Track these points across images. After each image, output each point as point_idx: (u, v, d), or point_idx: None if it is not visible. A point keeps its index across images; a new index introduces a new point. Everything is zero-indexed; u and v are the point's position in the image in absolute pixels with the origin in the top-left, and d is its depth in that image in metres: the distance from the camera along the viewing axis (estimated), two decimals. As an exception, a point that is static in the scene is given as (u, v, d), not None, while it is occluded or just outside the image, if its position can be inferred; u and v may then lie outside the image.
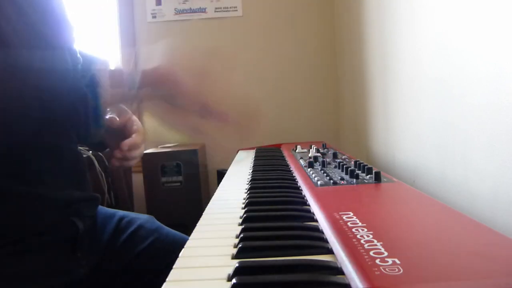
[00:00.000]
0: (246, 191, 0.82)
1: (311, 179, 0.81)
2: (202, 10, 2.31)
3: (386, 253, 0.40)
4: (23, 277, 0.62)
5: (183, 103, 0.65)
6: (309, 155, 1.12)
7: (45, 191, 0.66)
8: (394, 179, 0.77)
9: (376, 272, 0.36)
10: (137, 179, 2.16)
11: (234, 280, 0.40)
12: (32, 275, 0.62)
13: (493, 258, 0.39)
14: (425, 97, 1.09)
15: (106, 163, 1.70)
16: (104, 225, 0.81)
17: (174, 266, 0.46)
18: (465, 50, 0.87)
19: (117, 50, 2.37)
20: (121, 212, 0.86)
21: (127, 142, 0.73)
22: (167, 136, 2.36)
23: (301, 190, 0.78)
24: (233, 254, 0.48)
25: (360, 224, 0.50)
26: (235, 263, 0.43)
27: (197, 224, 0.63)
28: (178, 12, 2.31)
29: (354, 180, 0.77)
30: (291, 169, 1.03)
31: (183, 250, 0.51)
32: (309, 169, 0.91)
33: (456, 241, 0.45)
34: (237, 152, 1.61)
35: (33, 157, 0.65)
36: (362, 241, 0.44)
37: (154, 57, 0.66)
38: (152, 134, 2.53)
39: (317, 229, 0.54)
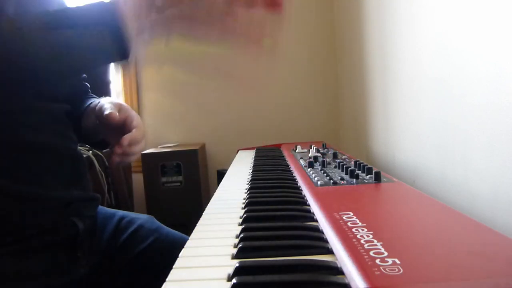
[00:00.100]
0: (246, 191, 0.82)
1: (311, 179, 0.81)
2: (202, 10, 2.30)
3: (386, 253, 0.40)
4: (24, 276, 0.62)
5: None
6: (309, 155, 1.12)
7: (45, 191, 0.66)
8: (394, 179, 0.77)
9: (376, 272, 0.36)
10: (137, 179, 2.16)
11: (234, 280, 0.40)
12: (32, 275, 0.63)
13: (493, 258, 0.39)
14: (425, 97, 1.09)
15: (106, 163, 1.70)
16: (104, 225, 0.81)
17: (174, 266, 0.46)
18: (465, 50, 0.87)
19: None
20: (121, 212, 0.86)
21: (127, 137, 0.72)
22: (167, 136, 2.36)
23: (301, 190, 0.78)
24: (233, 254, 0.48)
25: (360, 224, 0.50)
26: (235, 263, 0.43)
27: (197, 224, 0.63)
28: (178, 12, 2.31)
29: (354, 180, 0.77)
30: (291, 169, 1.03)
31: (183, 250, 0.51)
32: (309, 169, 0.91)
33: (456, 241, 0.45)
34: (237, 152, 1.61)
35: (33, 157, 0.65)
36: (362, 241, 0.44)
37: None
38: (152, 134, 2.52)
39: (317, 229, 0.54)
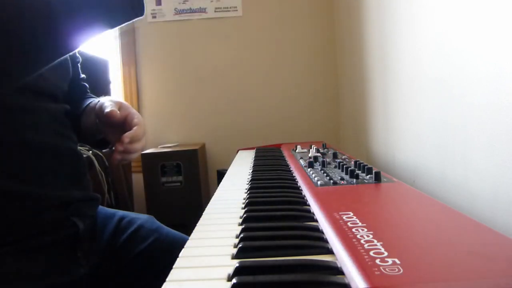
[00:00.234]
0: (246, 191, 0.82)
1: (311, 179, 0.81)
2: (202, 10, 2.31)
3: (386, 253, 0.40)
4: (24, 276, 0.62)
5: None
6: (309, 155, 1.12)
7: (45, 191, 0.66)
8: (394, 179, 0.77)
9: (376, 272, 0.36)
10: (137, 179, 2.16)
11: (234, 280, 0.40)
12: (32, 275, 0.63)
13: (493, 258, 0.39)
14: (425, 97, 1.09)
15: (106, 163, 1.70)
16: (104, 225, 0.81)
17: (174, 266, 0.46)
18: (465, 50, 0.87)
19: (117, 51, 2.37)
20: (121, 212, 0.86)
21: (128, 134, 0.72)
22: (167, 136, 2.36)
23: (301, 190, 0.78)
24: (233, 254, 0.48)
25: (360, 224, 0.50)
26: (235, 263, 0.43)
27: (197, 224, 0.63)
28: (178, 12, 2.31)
29: (354, 180, 0.77)
30: (291, 169, 1.03)
31: (183, 250, 0.51)
32: (309, 169, 0.91)
33: (456, 241, 0.45)
34: (237, 152, 1.61)
35: (33, 157, 0.65)
36: (362, 241, 0.44)
37: None
38: (152, 134, 2.53)
39: (317, 229, 0.54)
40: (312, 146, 1.25)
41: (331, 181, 0.77)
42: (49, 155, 0.68)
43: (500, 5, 0.74)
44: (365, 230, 0.47)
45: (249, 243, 0.50)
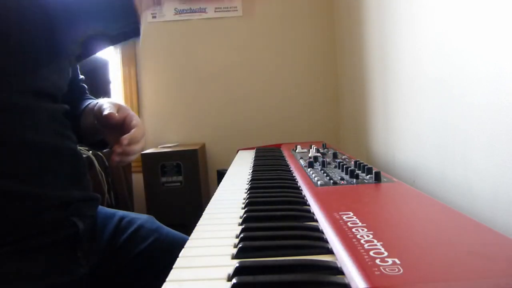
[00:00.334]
0: (246, 191, 0.82)
1: (311, 179, 0.81)
2: (202, 10, 2.31)
3: (386, 253, 0.40)
4: (23, 276, 0.62)
5: None
6: (309, 155, 1.12)
7: (45, 190, 0.66)
8: (394, 179, 0.77)
9: (376, 272, 0.36)
10: (137, 179, 2.16)
11: (234, 280, 0.40)
12: (32, 275, 0.63)
13: (493, 258, 0.39)
14: (425, 97, 1.09)
15: (106, 163, 1.70)
16: (104, 225, 0.81)
17: (174, 266, 0.46)
18: (465, 50, 0.87)
19: (117, 51, 2.37)
20: (121, 212, 0.86)
21: (126, 136, 0.72)
22: (167, 136, 2.36)
23: (301, 190, 0.78)
24: (233, 254, 0.48)
25: (360, 224, 0.50)
26: (235, 263, 0.43)
27: (197, 224, 0.63)
28: (178, 12, 2.31)
29: (354, 180, 0.77)
30: (291, 169, 1.03)
31: (183, 250, 0.51)
32: (309, 169, 0.91)
33: (456, 241, 0.45)
34: (237, 152, 1.61)
35: (33, 157, 0.65)
36: (362, 241, 0.44)
37: None
38: (152, 134, 2.52)
39: (317, 229, 0.54)
40: (312, 146, 1.25)
41: (331, 181, 0.77)
42: (49, 155, 0.68)
43: (500, 5, 0.74)
44: (365, 230, 0.47)
45: (249, 243, 0.50)
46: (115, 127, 0.75)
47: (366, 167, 0.82)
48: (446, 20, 0.95)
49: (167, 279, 0.43)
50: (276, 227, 0.56)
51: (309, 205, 0.67)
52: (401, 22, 1.24)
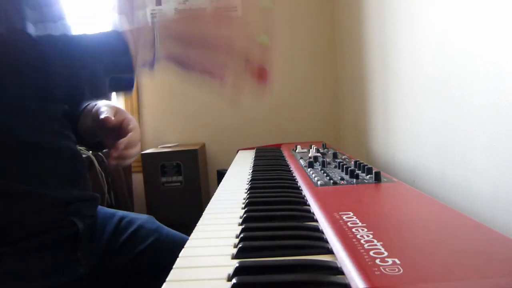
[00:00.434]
0: (246, 191, 0.82)
1: (311, 179, 0.81)
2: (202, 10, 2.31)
3: (386, 253, 0.40)
4: (23, 276, 0.62)
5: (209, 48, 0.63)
6: (309, 155, 1.12)
7: (44, 190, 0.66)
8: (394, 179, 0.77)
9: (376, 272, 0.36)
10: (137, 179, 2.16)
11: (234, 280, 0.40)
12: (32, 275, 0.63)
13: (493, 258, 0.39)
14: (425, 97, 1.09)
15: (106, 163, 1.70)
16: (104, 225, 0.81)
17: (174, 266, 0.46)
18: (465, 50, 0.87)
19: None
20: (121, 212, 0.86)
21: (123, 140, 0.73)
22: (167, 136, 2.36)
23: (301, 190, 0.78)
24: (233, 254, 0.48)
25: (360, 224, 0.50)
26: (235, 263, 0.43)
27: (197, 224, 0.63)
28: (178, 12, 2.31)
29: (354, 180, 0.77)
30: (291, 169, 1.03)
31: (183, 250, 0.51)
32: (309, 169, 0.91)
33: (456, 241, 0.45)
34: (237, 152, 1.61)
35: (32, 156, 0.65)
36: (362, 241, 0.44)
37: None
38: (152, 134, 2.52)
39: (317, 229, 0.54)
40: (312, 146, 1.25)
41: (331, 181, 0.77)
42: (49, 155, 0.68)
43: (500, 5, 0.74)
44: (365, 230, 0.47)
45: (249, 243, 0.50)
46: (112, 130, 0.75)
47: (366, 167, 0.82)
48: (446, 20, 0.95)
49: (167, 279, 0.43)
50: (276, 227, 0.56)
51: (309, 205, 0.67)
52: (401, 22, 1.25)
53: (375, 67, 1.54)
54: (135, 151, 0.77)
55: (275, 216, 0.61)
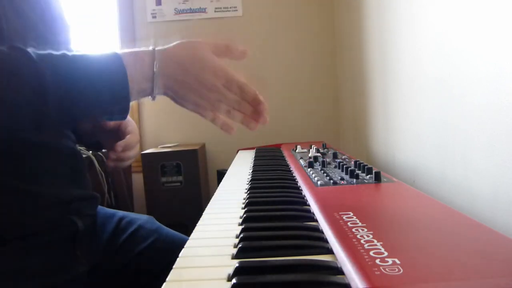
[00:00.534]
0: (246, 191, 0.82)
1: (311, 179, 0.81)
2: (202, 10, 2.31)
3: (386, 253, 0.40)
4: (23, 275, 0.62)
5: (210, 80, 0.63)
6: (309, 155, 1.12)
7: (44, 189, 0.66)
8: (394, 179, 0.77)
9: (376, 272, 0.36)
10: (137, 179, 2.16)
11: (234, 280, 0.40)
12: (32, 273, 0.63)
13: (493, 258, 0.39)
14: (425, 97, 1.09)
15: (106, 163, 1.70)
16: (104, 225, 0.81)
17: (174, 266, 0.46)
18: (465, 50, 0.87)
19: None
20: (121, 213, 0.86)
21: (121, 143, 0.73)
22: (167, 136, 2.36)
23: (301, 190, 0.78)
24: (233, 254, 0.48)
25: (360, 224, 0.50)
26: (235, 263, 0.43)
27: (197, 224, 0.63)
28: (178, 12, 2.31)
29: (354, 180, 0.77)
30: (291, 169, 1.03)
31: (183, 250, 0.51)
32: (309, 169, 0.91)
33: (456, 241, 0.45)
34: (237, 152, 1.61)
35: (32, 155, 0.65)
36: (362, 241, 0.44)
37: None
38: (152, 134, 2.51)
39: (317, 229, 0.54)
40: (312, 146, 1.25)
41: (331, 181, 0.77)
42: (48, 154, 0.68)
43: (500, 5, 0.74)
44: (365, 230, 0.47)
45: (249, 243, 0.50)
46: (111, 132, 0.76)
47: (366, 167, 0.82)
48: (446, 20, 0.95)
49: (167, 279, 0.43)
50: (276, 227, 0.56)
51: (309, 205, 0.67)
52: (401, 22, 1.25)
53: (375, 67, 1.54)
54: (133, 153, 0.78)
55: (275, 216, 0.61)
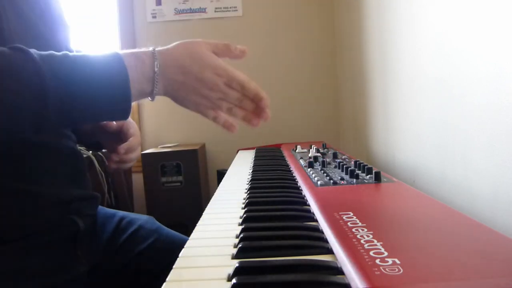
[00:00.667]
0: (246, 191, 0.82)
1: (311, 179, 0.81)
2: (202, 10, 2.31)
3: (386, 253, 0.40)
4: (23, 275, 0.62)
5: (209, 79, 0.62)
6: (309, 155, 1.12)
7: (44, 189, 0.66)
8: (394, 179, 0.77)
9: (376, 272, 0.36)
10: (137, 179, 2.16)
11: (234, 280, 0.40)
12: (32, 273, 0.63)
13: (493, 258, 0.39)
14: (425, 97, 1.09)
15: (106, 163, 1.70)
16: (104, 225, 0.81)
17: (174, 266, 0.46)
18: (465, 50, 0.87)
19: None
20: (121, 213, 0.86)
21: (124, 145, 0.74)
22: (167, 136, 2.36)
23: (301, 190, 0.78)
24: (233, 254, 0.48)
25: (360, 224, 0.50)
26: (235, 263, 0.43)
27: (197, 224, 0.63)
28: (178, 12, 2.31)
29: (354, 180, 0.77)
30: (291, 169, 1.03)
31: (183, 250, 0.51)
32: (309, 169, 0.91)
33: (456, 241, 0.45)
34: (237, 152, 1.61)
35: (32, 155, 0.65)
36: (362, 241, 0.44)
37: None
38: (152, 134, 2.51)
39: (317, 229, 0.54)
40: (312, 146, 1.25)
41: (331, 181, 0.77)
42: (49, 154, 0.68)
43: (500, 5, 0.74)
44: (365, 230, 0.47)
45: (249, 243, 0.50)
46: (113, 134, 0.76)
47: (366, 167, 0.82)
48: (446, 20, 0.95)
49: (167, 279, 0.43)
50: (276, 227, 0.56)
51: (309, 205, 0.67)
52: (401, 22, 1.24)
53: (375, 67, 1.54)
54: (135, 155, 0.78)
55: (275, 216, 0.61)
